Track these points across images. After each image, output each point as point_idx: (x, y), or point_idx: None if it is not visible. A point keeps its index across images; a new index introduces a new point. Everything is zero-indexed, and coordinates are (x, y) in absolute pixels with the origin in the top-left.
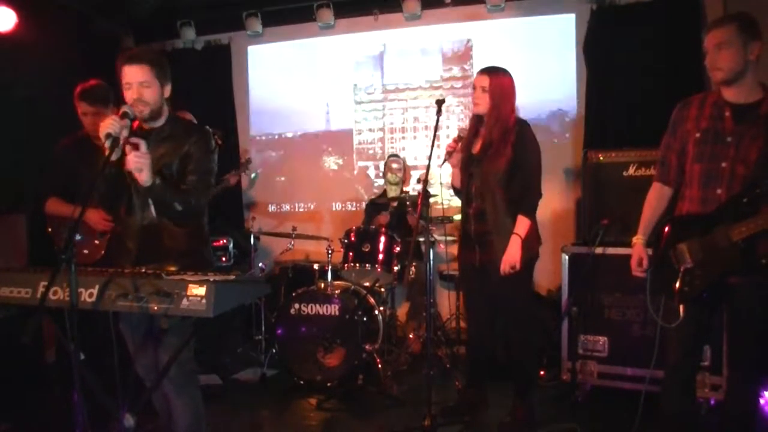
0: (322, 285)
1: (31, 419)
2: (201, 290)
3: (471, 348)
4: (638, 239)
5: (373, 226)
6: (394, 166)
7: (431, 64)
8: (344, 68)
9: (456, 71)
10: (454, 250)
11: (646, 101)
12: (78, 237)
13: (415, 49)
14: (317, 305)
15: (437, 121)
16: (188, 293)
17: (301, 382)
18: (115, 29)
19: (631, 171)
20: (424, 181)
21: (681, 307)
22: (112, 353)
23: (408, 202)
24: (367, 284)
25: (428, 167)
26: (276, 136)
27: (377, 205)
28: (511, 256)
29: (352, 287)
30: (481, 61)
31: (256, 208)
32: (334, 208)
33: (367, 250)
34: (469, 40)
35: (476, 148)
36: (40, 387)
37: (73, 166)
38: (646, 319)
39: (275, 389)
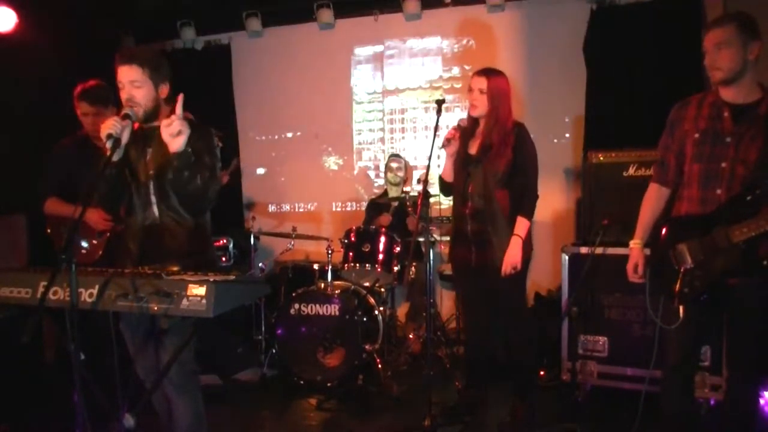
0: (322, 285)
1: (31, 419)
2: (201, 290)
3: (470, 348)
4: (636, 243)
5: (374, 227)
6: (394, 165)
7: (431, 64)
8: (344, 68)
9: (456, 71)
10: None
11: (646, 101)
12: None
13: (415, 49)
14: (317, 305)
15: (437, 121)
16: (188, 293)
17: (301, 382)
18: (115, 29)
19: (631, 171)
20: (425, 181)
21: (681, 308)
22: (112, 353)
23: (408, 203)
24: (367, 284)
25: (428, 167)
26: (276, 136)
27: (378, 205)
28: (513, 256)
29: (352, 287)
30: (481, 61)
31: (256, 208)
32: (334, 208)
33: (367, 250)
34: (469, 40)
35: (473, 148)
36: (40, 387)
37: (73, 166)
38: (646, 320)
39: (275, 389)
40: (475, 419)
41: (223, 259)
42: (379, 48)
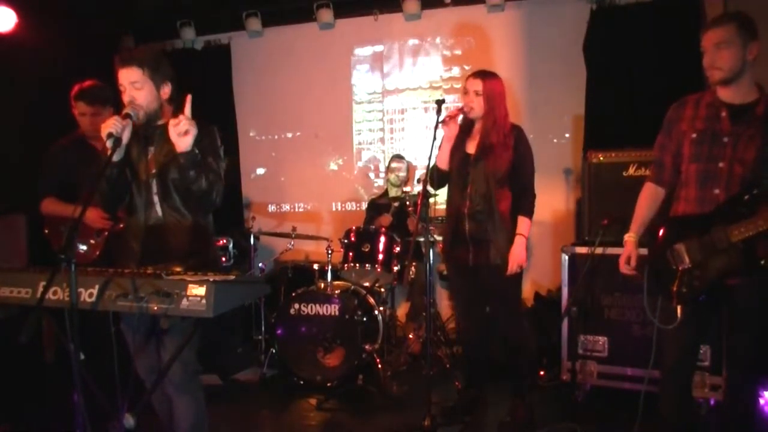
0: (322, 285)
1: (31, 419)
2: (201, 290)
3: (469, 348)
4: (630, 237)
5: (374, 227)
6: (396, 166)
7: (431, 64)
8: (344, 68)
9: (456, 71)
10: None
11: (646, 101)
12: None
13: (415, 49)
14: (317, 305)
15: (437, 121)
16: (188, 293)
17: (301, 382)
18: (115, 29)
19: (631, 171)
20: (425, 181)
21: (679, 309)
22: (112, 353)
23: (408, 203)
24: (367, 284)
25: (428, 167)
26: (276, 136)
27: (378, 205)
28: (519, 255)
29: (352, 287)
30: (481, 61)
31: (256, 208)
32: (334, 208)
33: (366, 250)
34: (469, 40)
35: (471, 148)
36: (40, 387)
37: (70, 166)
38: (646, 320)
39: (275, 389)
40: (474, 419)
41: (223, 259)
42: (379, 48)
